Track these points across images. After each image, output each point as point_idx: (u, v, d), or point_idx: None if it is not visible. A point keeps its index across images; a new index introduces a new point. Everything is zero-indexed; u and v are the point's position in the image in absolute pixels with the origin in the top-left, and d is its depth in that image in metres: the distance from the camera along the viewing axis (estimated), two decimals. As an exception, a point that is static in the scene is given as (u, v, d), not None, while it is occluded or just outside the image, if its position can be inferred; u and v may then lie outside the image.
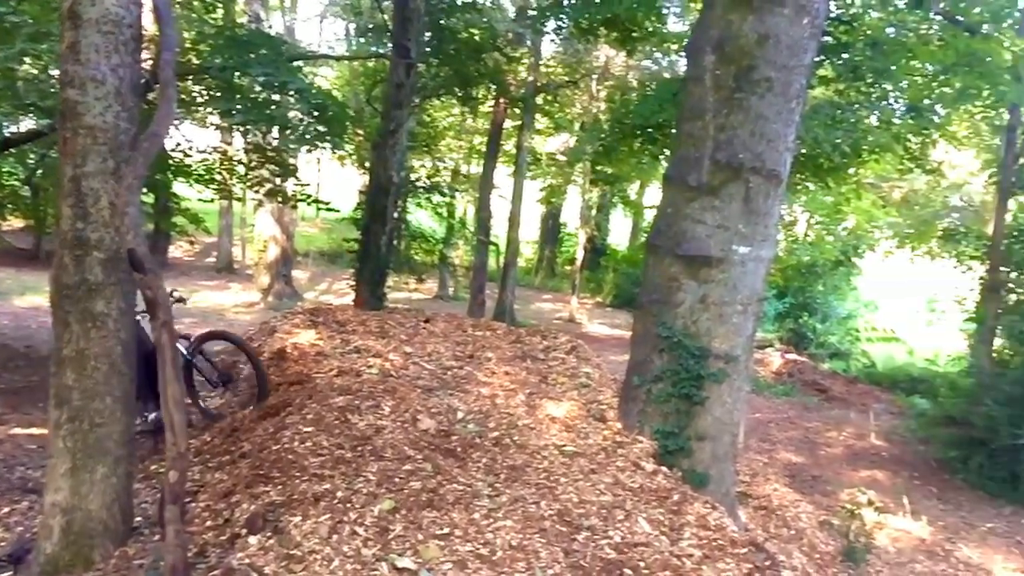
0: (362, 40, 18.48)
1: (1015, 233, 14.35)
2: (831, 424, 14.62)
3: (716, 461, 6.63)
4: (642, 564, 4.95)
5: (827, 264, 21.86)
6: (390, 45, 11.73)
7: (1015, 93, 11.87)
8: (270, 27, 17.12)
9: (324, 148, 11.55)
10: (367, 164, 14.49)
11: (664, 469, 6.21)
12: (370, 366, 6.61)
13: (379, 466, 5.12)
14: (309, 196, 12.44)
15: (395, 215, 12.20)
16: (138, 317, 5.53)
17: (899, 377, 19.14)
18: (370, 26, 16.45)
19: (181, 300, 6.84)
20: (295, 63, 10.97)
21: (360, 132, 16.14)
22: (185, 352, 6.82)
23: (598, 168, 23.28)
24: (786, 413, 15.27)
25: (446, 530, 4.61)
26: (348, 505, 4.70)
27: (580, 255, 24.56)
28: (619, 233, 34.10)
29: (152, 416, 6.53)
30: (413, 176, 17.88)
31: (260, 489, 4.91)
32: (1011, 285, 14.30)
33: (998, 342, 14.10)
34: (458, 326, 8.20)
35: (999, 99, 12.67)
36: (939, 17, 12.19)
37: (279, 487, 4.87)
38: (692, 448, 6.52)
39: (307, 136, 10.33)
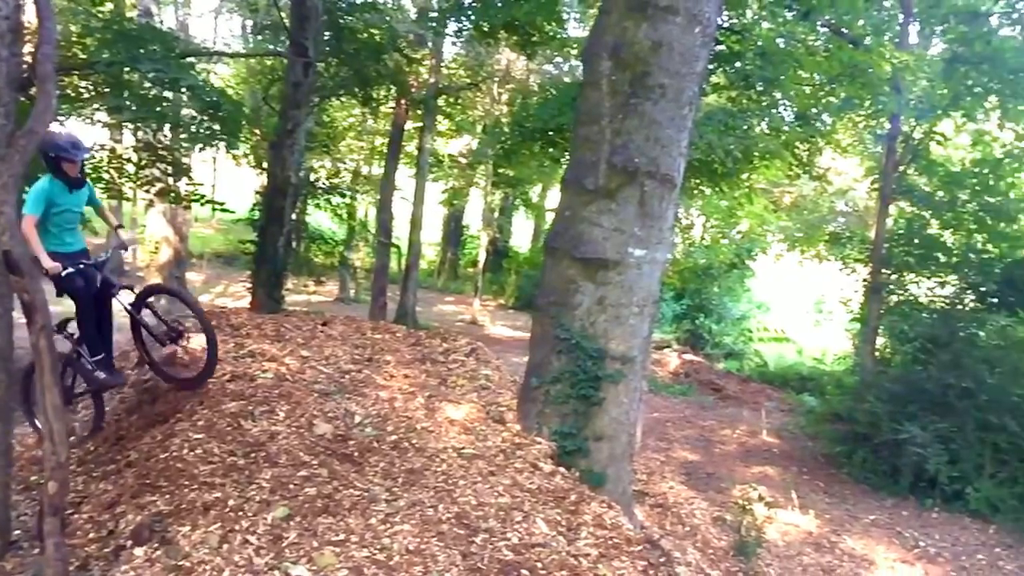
0: (259, 37, 18.10)
1: (895, 237, 15.03)
2: (726, 422, 15.02)
3: (613, 461, 6.73)
4: (539, 565, 4.98)
5: (722, 266, 22.47)
6: (287, 43, 11.51)
7: (894, 103, 12.44)
8: (161, 22, 16.57)
9: (218, 147, 11.26)
10: (264, 164, 14.18)
11: (562, 470, 6.26)
12: (265, 370, 6.47)
13: (273, 473, 5.02)
14: (203, 196, 12.11)
15: (293, 216, 11.97)
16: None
17: (789, 376, 19.83)
18: (267, 23, 16.11)
19: (123, 247, 6.47)
20: (188, 59, 10.65)
21: (257, 131, 15.79)
22: (128, 307, 6.29)
23: (500, 170, 23.39)
24: (683, 412, 15.62)
25: (342, 536, 4.55)
26: (240, 513, 4.60)
27: (482, 257, 24.63)
28: (521, 235, 34.32)
29: (99, 375, 6.11)
30: (312, 177, 17.61)
31: (147, 499, 4.76)
32: (891, 287, 14.95)
33: (880, 341, 14.73)
34: (357, 329, 8.10)
35: (880, 109, 13.26)
36: (825, 29, 12.70)
37: (167, 497, 4.73)
38: (590, 448, 6.60)
39: (200, 134, 10.03)
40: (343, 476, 5.17)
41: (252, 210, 15.37)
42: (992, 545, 9.67)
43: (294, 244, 12.69)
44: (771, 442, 13.89)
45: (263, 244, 11.02)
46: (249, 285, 11.73)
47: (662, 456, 11.60)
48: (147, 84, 9.46)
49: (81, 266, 5.81)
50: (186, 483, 4.85)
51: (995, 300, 13.29)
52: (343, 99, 18.12)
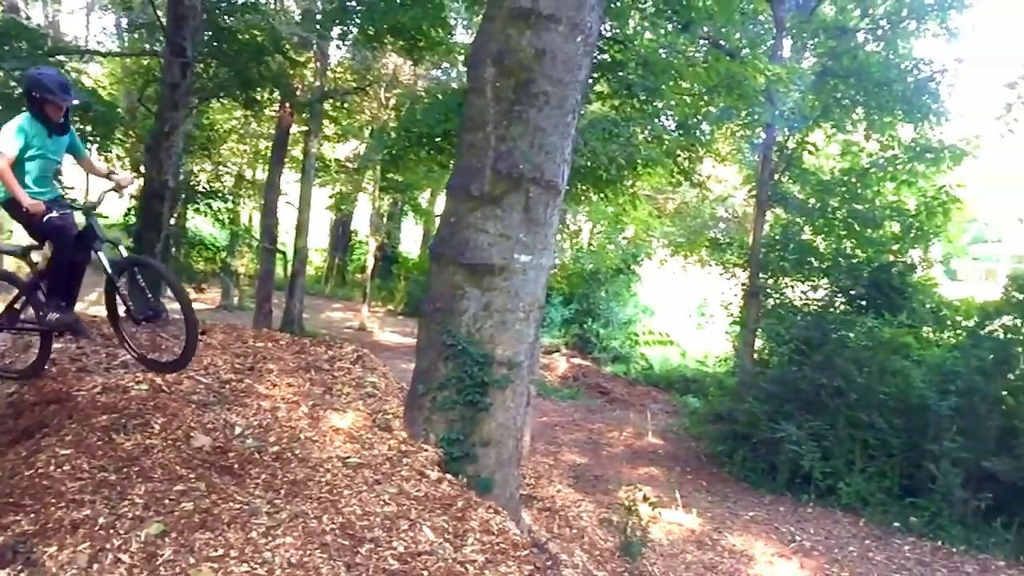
0: (134, 36, 17.43)
1: (771, 243, 15.62)
2: (613, 425, 15.28)
3: (500, 466, 6.75)
4: (425, 573, 4.95)
5: (609, 271, 22.87)
6: (164, 42, 11.15)
7: (768, 114, 12.95)
8: (28, 19, 15.79)
9: (90, 149, 10.80)
10: (141, 168, 13.67)
11: (449, 476, 6.24)
12: (139, 381, 6.21)
13: (147, 488, 4.82)
14: (74, 200, 11.57)
15: (171, 221, 11.62)
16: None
17: (674, 378, 20.34)
18: (142, 21, 15.54)
19: (118, 188, 5.98)
20: (57, 57, 10.18)
21: (132, 133, 15.21)
22: (108, 269, 5.79)
23: (388, 176, 23.20)
24: (571, 416, 15.81)
25: (220, 551, 4.40)
26: (111, 531, 4.39)
27: (371, 263, 24.36)
28: (410, 241, 34.13)
29: (52, 315, 5.75)
30: (192, 181, 17.07)
31: (10, 519, 4.49)
32: (768, 290, 15.53)
33: (759, 343, 15.27)
34: (238, 337, 7.87)
35: (755, 119, 13.78)
36: (704, 42, 13.13)
37: (32, 516, 4.48)
38: (477, 454, 6.61)
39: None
40: (222, 489, 5.00)
41: (127, 215, 14.80)
42: (863, 537, 10.13)
43: (173, 250, 12.27)
44: (656, 443, 14.20)
45: (139, 250, 10.64)
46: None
47: (551, 460, 11.70)
48: (12, 83, 9.02)
49: (67, 211, 5.50)
50: (53, 501, 4.60)
51: (863, 303, 13.95)
52: (224, 101, 17.64)
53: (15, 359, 6.71)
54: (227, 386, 6.57)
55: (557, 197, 6.75)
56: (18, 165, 5.35)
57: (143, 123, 14.69)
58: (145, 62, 16.66)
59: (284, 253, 20.91)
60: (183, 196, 14.00)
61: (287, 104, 17.95)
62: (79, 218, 5.76)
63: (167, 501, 4.72)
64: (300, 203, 19.62)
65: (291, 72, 16.06)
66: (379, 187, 24.16)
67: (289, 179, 23.98)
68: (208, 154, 18.81)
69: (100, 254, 5.66)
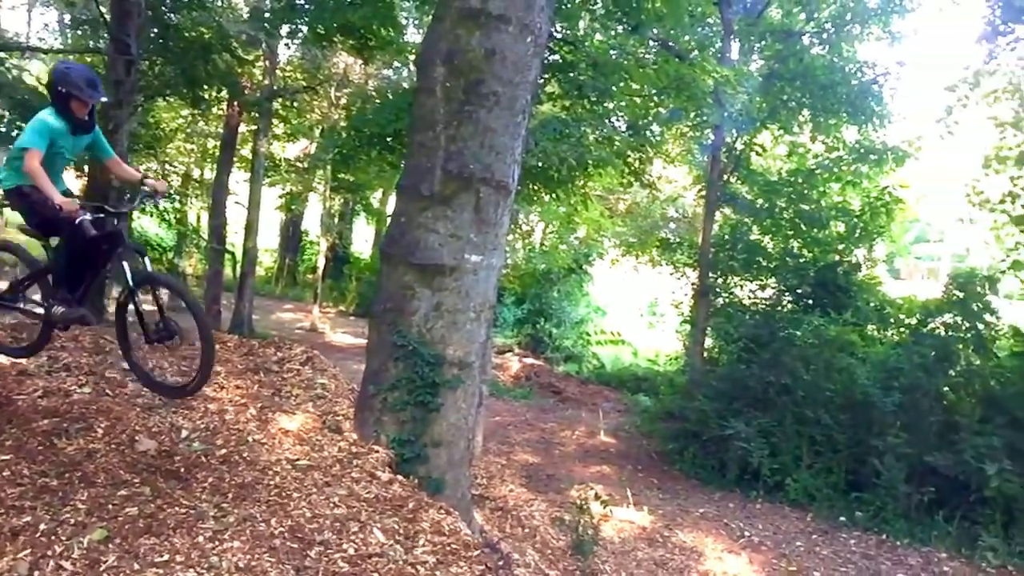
0: (77, 33, 17.06)
1: (720, 243, 15.81)
2: (565, 424, 15.35)
3: (452, 467, 6.75)
4: (376, 575, 4.93)
5: (561, 271, 22.95)
6: (108, 39, 10.94)
7: (717, 115, 13.11)
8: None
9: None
10: (84, 167, 13.39)
11: (400, 478, 6.21)
12: (82, 385, 6.09)
13: (90, 493, 4.73)
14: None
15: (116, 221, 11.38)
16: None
17: (625, 377, 20.47)
18: (85, 18, 15.22)
19: (153, 194, 5.53)
20: (-4, 53, 9.95)
21: (76, 132, 14.84)
22: (130, 282, 5.35)
23: (339, 175, 23.04)
24: (524, 416, 15.84)
25: (166, 557, 4.34)
26: (52, 538, 4.30)
27: (322, 263, 24.14)
28: (362, 241, 33.91)
29: (58, 309, 5.39)
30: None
31: (-53, 527, 4.38)
32: (718, 290, 15.72)
33: (709, 342, 15.45)
34: (184, 340, 7.73)
35: (704, 120, 13.94)
36: (654, 43, 13.25)
37: (-31, 524, 4.37)
38: (428, 455, 6.59)
39: (9, 134, 9.40)
40: (167, 494, 4.93)
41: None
42: (810, 532, 10.30)
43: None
44: (608, 442, 14.29)
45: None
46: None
47: (503, 460, 11.71)
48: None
49: (101, 216, 5.17)
50: (-8, 508, 4.50)
51: (810, 301, 14.18)
52: (170, 100, 17.36)
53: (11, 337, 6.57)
54: (173, 390, 6.45)
55: (508, 197, 6.76)
56: None
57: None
58: (88, 59, 16.29)
59: (233, 254, 20.65)
60: (127, 196, 13.70)
61: (235, 103, 17.72)
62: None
63: (111, 506, 4.64)
64: (249, 203, 19.38)
65: (239, 70, 15.85)
66: (330, 187, 23.97)
67: (238, 179, 23.69)
68: (154, 153, 18.49)
69: (124, 264, 5.34)
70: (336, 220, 28.58)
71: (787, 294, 14.81)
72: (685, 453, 12.80)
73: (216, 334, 9.15)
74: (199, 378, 5.46)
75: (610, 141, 12.77)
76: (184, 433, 5.75)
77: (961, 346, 11.86)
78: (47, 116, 5.12)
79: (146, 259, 5.44)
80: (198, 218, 27.08)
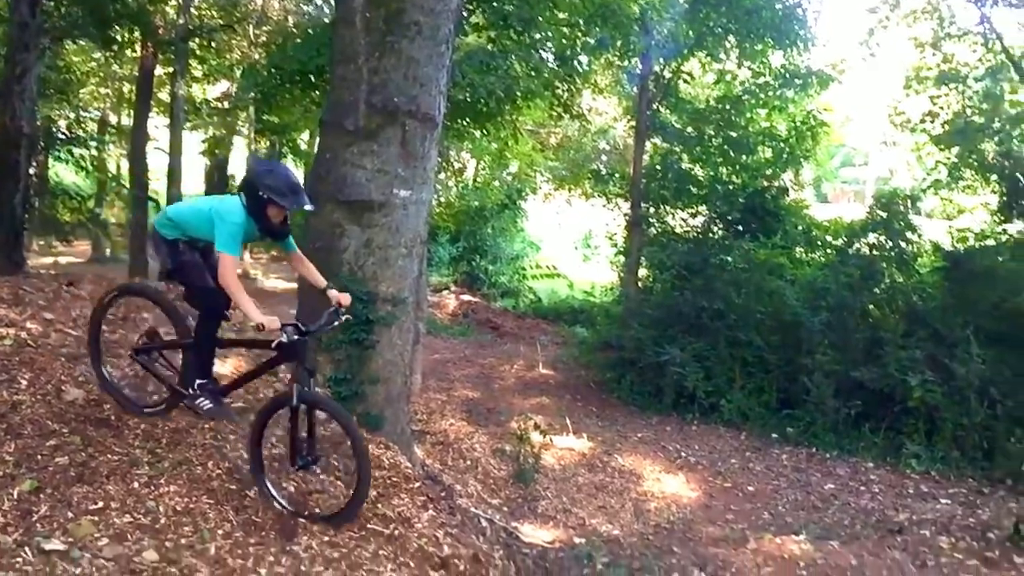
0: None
1: (651, 173, 15.90)
2: (504, 359, 15.43)
3: (390, 403, 6.76)
4: (318, 510, 4.95)
5: (495, 208, 22.89)
6: (8, -22, 10.40)
7: (643, 43, 13.05)
8: None
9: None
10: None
11: (338, 415, 6.19)
12: (2, 337, 5.90)
13: (17, 445, 4.61)
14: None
15: (30, 171, 10.96)
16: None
17: (562, 310, 20.64)
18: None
19: (338, 307, 4.95)
20: None
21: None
22: (295, 399, 4.68)
23: (264, 117, 22.43)
24: (463, 352, 15.89)
25: (100, 504, 4.27)
26: (-20, 492, 4.20)
27: (251, 209, 23.63)
28: (292, 184, 33.23)
29: (204, 403, 4.90)
30: (50, 127, 16.11)
31: None
32: (650, 219, 15.85)
33: (642, 272, 15.62)
34: (108, 287, 7.53)
35: (631, 49, 13.88)
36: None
37: None
38: (365, 392, 6.59)
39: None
40: (99, 442, 4.83)
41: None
42: (744, 450, 10.60)
43: (33, 201, 11.62)
44: (547, 374, 14.44)
45: (-5, 200, 10.04)
46: (-17, 248, 10.61)
47: (443, 396, 11.76)
48: None
49: (296, 337, 4.59)
50: (-86, 465, 4.36)
51: (740, 227, 14.43)
52: (80, 42, 16.61)
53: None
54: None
55: (434, 130, 6.66)
56: (190, 227, 4.88)
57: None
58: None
59: (157, 201, 20.02)
60: (41, 143, 13.17)
61: (149, 44, 17.04)
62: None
63: (39, 457, 4.54)
64: (171, 148, 18.79)
65: (151, 9, 15.21)
66: (255, 129, 23.32)
67: (159, 124, 22.93)
68: (66, 98, 17.68)
69: (296, 385, 4.67)
70: (263, 164, 27.89)
71: (717, 221, 15.01)
72: (622, 381, 12.99)
73: (140, 280, 8.95)
74: (349, 508, 4.84)
75: (538, 72, 12.64)
76: (113, 381, 5.62)
77: (885, 264, 12.21)
78: (240, 217, 4.63)
79: (312, 379, 4.83)
80: (118, 165, 26.19)
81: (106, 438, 4.93)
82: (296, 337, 4.58)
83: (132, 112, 20.44)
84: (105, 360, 5.45)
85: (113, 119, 25.01)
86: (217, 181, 29.37)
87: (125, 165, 24.49)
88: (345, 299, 5.01)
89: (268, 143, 27.77)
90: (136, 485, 4.52)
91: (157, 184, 21.01)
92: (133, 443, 4.99)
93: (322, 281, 5.10)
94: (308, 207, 4.80)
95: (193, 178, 26.99)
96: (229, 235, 4.59)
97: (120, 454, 4.80)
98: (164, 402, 5.20)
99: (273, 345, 4.61)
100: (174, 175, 18.38)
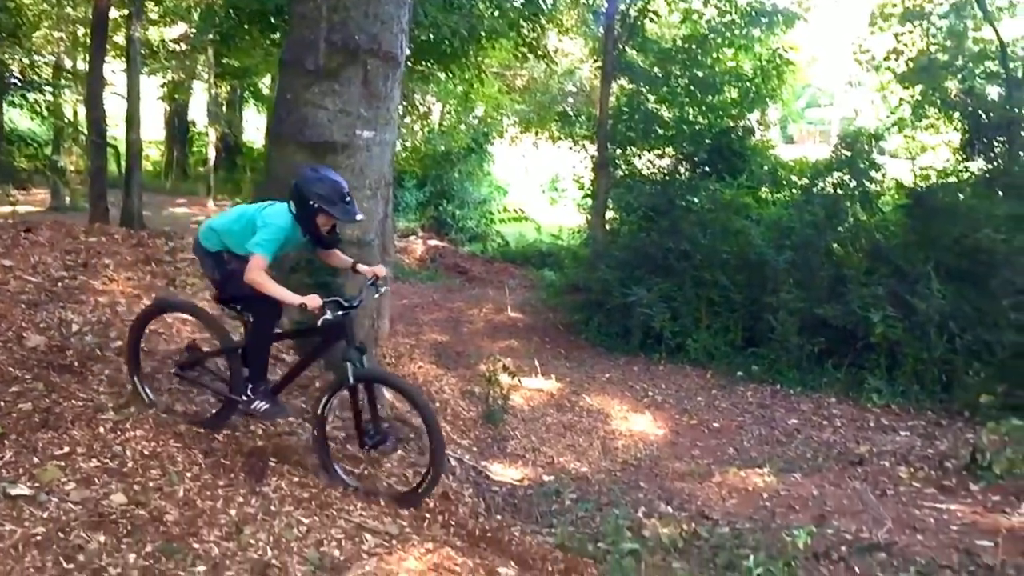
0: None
1: (618, 114, 15.82)
2: (472, 303, 15.46)
3: (357, 346, 6.73)
4: (288, 450, 4.96)
5: (461, 151, 22.71)
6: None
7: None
8: None
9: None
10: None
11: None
12: (-41, 286, 5.82)
13: (-22, 392, 4.57)
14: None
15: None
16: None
17: (530, 253, 20.65)
18: None
19: (376, 280, 4.95)
20: None
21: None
22: (351, 379, 4.69)
23: (223, 61, 21.98)
24: (431, 297, 15.89)
25: (66, 449, 4.24)
26: (-58, 439, 4.16)
27: (212, 155, 23.27)
28: (254, 130, 32.69)
29: (260, 405, 4.79)
30: (2, 71, 15.67)
31: None
32: (617, 161, 15.81)
33: (610, 214, 15.63)
34: (68, 233, 7.40)
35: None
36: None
37: None
38: (332, 335, 6.55)
39: None
40: (63, 388, 4.80)
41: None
42: (710, 388, 10.74)
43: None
44: (515, 317, 14.48)
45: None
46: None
47: (412, 340, 11.76)
48: None
49: (340, 312, 4.56)
50: None
51: (706, 168, 14.45)
52: (29, -18, 16.08)
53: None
54: (59, 284, 6.22)
55: (397, 69, 6.56)
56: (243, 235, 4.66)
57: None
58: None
59: (116, 147, 19.63)
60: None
61: (103, -16, 16.51)
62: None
63: (2, 403, 4.50)
64: (128, 93, 18.32)
65: (103, -53, 14.72)
66: (214, 73, 22.86)
67: (115, 68, 22.35)
68: (18, 42, 17.14)
69: (348, 364, 4.65)
70: (224, 109, 27.41)
71: (684, 162, 15.02)
72: (590, 323, 13.07)
73: (102, 227, 8.83)
74: (422, 488, 4.81)
75: (502, 11, 12.46)
76: (75, 327, 5.57)
77: (849, 203, 12.29)
78: (286, 222, 4.53)
79: (364, 356, 4.78)
80: (75, 111, 25.57)
81: (70, 384, 4.90)
82: (340, 313, 4.53)
83: (87, 56, 19.86)
84: (144, 376, 5.17)
85: (68, 63, 24.33)
86: (178, 126, 28.86)
87: (82, 111, 23.88)
88: (380, 270, 4.98)
89: (229, 88, 27.28)
90: (102, 430, 4.50)
91: (116, 131, 20.51)
92: (97, 389, 4.96)
93: (349, 261, 5.04)
94: (359, 217, 4.74)
95: (153, 124, 26.48)
96: (269, 237, 4.46)
97: (84, 400, 4.77)
98: (218, 412, 5.04)
99: (319, 323, 4.50)
100: (132, 121, 17.94)
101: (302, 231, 4.59)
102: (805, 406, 10.00)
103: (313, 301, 4.35)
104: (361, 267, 4.98)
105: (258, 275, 4.39)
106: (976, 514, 5.85)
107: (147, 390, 5.03)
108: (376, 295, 4.90)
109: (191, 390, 5.32)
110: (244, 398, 4.81)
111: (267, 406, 4.81)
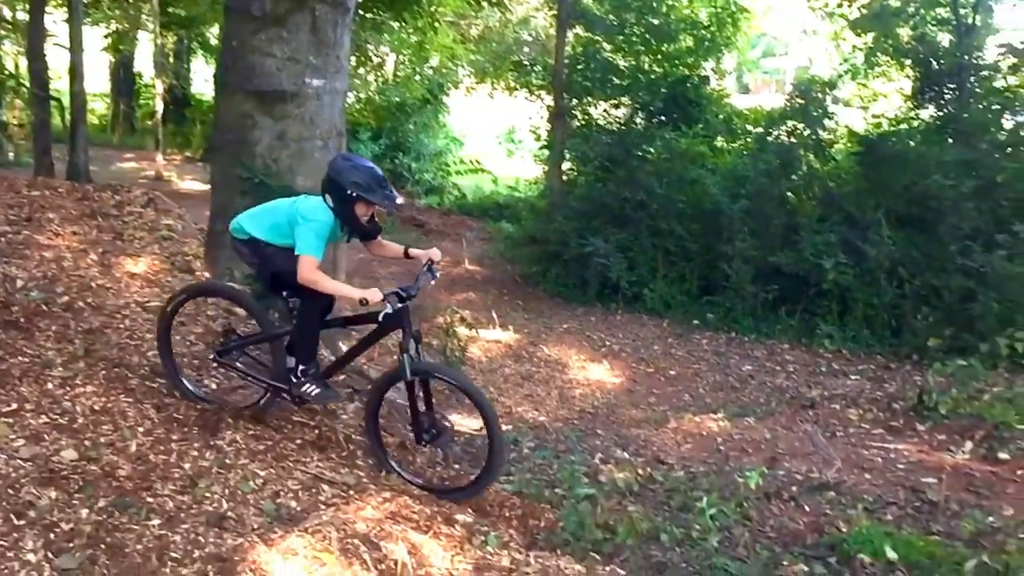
0: None
1: (574, 63, 15.66)
2: (429, 255, 15.35)
3: (312, 298, 6.67)
4: (241, 405, 4.93)
5: (416, 103, 22.40)
6: None
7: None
8: None
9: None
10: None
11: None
12: (-103, 243, 5.64)
13: (-79, 351, 4.46)
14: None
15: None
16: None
17: (487, 205, 20.53)
18: None
19: (431, 265, 4.79)
20: None
21: None
22: (408, 372, 4.54)
23: (169, 9, 21.36)
24: (387, 250, 15.74)
25: (14, 406, 4.18)
26: None
27: (160, 107, 22.68)
28: (202, 82, 31.88)
29: (311, 389, 4.70)
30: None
31: None
32: (573, 111, 15.70)
33: (567, 165, 15.55)
34: (10, 187, 7.18)
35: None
36: None
37: None
38: (286, 288, 6.48)
39: None
40: (8, 344, 4.70)
41: None
42: (666, 337, 10.85)
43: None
44: (473, 269, 14.46)
45: None
46: None
47: (369, 293, 11.70)
48: None
49: (400, 305, 4.44)
50: None
51: (662, 118, 14.39)
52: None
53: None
54: (3, 239, 6.05)
55: (346, 15, 6.43)
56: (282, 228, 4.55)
57: None
58: None
59: (60, 101, 19.08)
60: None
61: (39, -72, 15.91)
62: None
63: (-54, 361, 4.41)
64: (71, 44, 17.75)
65: None
66: (160, 23, 22.18)
67: (56, 18, 21.62)
68: (-47, -9, 16.57)
69: (405, 356, 4.52)
70: (171, 60, 26.68)
71: (640, 111, 14.93)
72: (548, 274, 13.09)
73: (45, 180, 8.62)
74: (480, 481, 4.71)
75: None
76: (20, 283, 5.43)
77: (802, 151, 12.38)
78: (327, 216, 4.41)
79: (419, 346, 4.64)
80: (16, 64, 24.74)
81: (16, 340, 4.80)
82: (400, 305, 4.43)
83: (27, 5, 19.18)
84: (182, 366, 5.08)
85: (7, 14, 23.48)
86: (123, 78, 28.08)
87: (23, 63, 23.12)
88: (435, 254, 4.85)
89: (175, 38, 26.57)
90: (51, 386, 4.44)
91: (59, 83, 19.91)
92: (45, 344, 4.87)
93: (400, 248, 4.91)
94: (399, 201, 4.59)
95: (98, 76, 25.74)
96: (314, 234, 4.34)
97: (32, 356, 4.68)
98: (262, 398, 4.94)
99: (380, 317, 4.45)
100: (76, 72, 17.40)
101: (340, 224, 4.49)
102: (759, 352, 10.16)
103: (374, 296, 4.26)
104: (414, 251, 4.85)
105: (312, 274, 4.28)
106: (922, 453, 6.01)
107: (186, 383, 4.94)
108: (432, 281, 4.79)
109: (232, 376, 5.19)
110: (293, 380, 4.73)
111: (318, 390, 4.72)
